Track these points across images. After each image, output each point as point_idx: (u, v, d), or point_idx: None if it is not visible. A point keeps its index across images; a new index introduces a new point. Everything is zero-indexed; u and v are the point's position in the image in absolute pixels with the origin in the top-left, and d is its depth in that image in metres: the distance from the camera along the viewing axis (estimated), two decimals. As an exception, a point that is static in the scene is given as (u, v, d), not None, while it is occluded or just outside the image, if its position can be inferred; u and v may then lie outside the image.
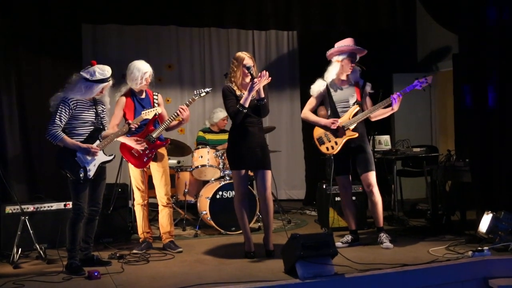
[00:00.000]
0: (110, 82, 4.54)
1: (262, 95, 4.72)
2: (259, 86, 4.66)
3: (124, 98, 5.09)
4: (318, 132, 5.25)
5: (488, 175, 5.15)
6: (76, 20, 6.76)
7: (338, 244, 4.92)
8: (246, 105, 4.67)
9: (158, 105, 5.15)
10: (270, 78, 4.70)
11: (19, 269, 4.56)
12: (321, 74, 8.37)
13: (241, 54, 4.81)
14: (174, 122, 5.09)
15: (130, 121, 4.74)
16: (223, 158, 6.26)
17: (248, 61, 4.74)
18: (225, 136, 6.97)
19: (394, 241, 5.08)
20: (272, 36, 8.80)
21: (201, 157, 6.29)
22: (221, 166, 6.25)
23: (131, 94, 5.11)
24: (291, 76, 8.81)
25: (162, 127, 5.03)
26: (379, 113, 5.09)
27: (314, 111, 5.32)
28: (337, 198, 5.92)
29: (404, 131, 6.82)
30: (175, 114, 4.97)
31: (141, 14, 6.87)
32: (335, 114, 5.14)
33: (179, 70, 8.30)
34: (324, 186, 6.01)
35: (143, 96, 5.15)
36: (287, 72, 8.82)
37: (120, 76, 7.62)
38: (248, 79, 4.74)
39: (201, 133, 7.09)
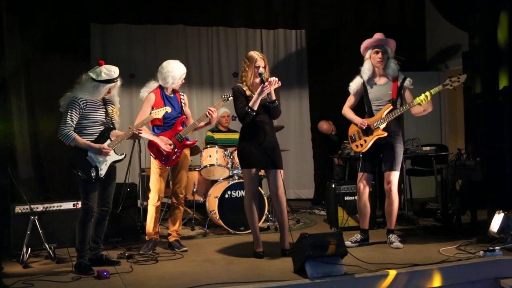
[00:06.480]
0: (118, 83, 4.52)
1: (274, 97, 4.67)
2: (268, 91, 4.62)
3: (153, 95, 5.09)
4: (352, 129, 5.23)
5: (499, 174, 5.10)
6: (84, 19, 6.78)
7: (347, 243, 4.87)
8: (255, 108, 4.64)
9: (185, 105, 5.22)
10: (280, 83, 4.66)
11: (29, 269, 4.57)
12: (329, 73, 8.39)
13: (253, 54, 4.74)
14: (202, 123, 5.15)
15: (131, 126, 4.70)
16: (231, 157, 6.25)
17: (260, 62, 4.68)
18: (233, 135, 6.98)
19: (404, 241, 5.04)
20: (281, 35, 8.77)
21: (210, 156, 6.28)
22: (229, 166, 6.24)
23: (161, 91, 5.13)
24: (299, 75, 8.78)
25: (191, 127, 5.08)
26: (418, 111, 4.97)
27: (354, 108, 5.25)
28: (346, 198, 5.90)
29: (414, 130, 6.79)
30: (204, 115, 5.04)
31: (149, 13, 6.89)
32: (370, 112, 5.10)
33: (187, 69, 8.19)
34: (333, 186, 5.98)
35: (172, 94, 5.18)
36: (295, 71, 8.79)
37: (128, 76, 7.72)
38: (258, 80, 4.70)
39: (209, 133, 7.09)
